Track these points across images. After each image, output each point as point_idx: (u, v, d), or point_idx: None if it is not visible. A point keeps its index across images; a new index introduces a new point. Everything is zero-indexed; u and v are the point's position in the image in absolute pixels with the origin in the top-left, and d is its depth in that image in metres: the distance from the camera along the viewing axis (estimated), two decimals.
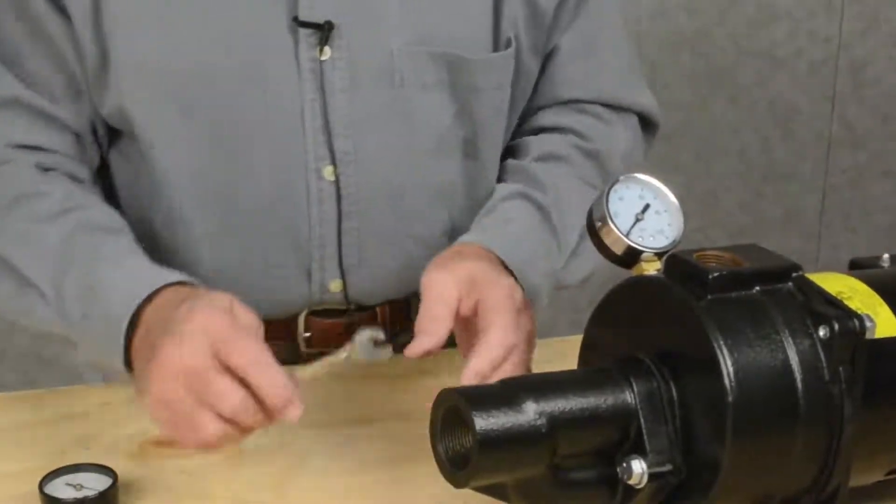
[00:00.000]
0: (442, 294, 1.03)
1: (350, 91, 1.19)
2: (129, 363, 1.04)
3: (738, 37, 2.89)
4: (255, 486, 1.06)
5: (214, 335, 0.95)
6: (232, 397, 0.94)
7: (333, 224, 1.22)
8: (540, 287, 1.16)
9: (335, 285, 1.26)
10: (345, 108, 1.19)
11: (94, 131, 1.23)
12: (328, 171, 1.20)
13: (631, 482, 0.86)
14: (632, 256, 0.99)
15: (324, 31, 1.16)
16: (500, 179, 1.29)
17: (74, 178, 1.20)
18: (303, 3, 1.16)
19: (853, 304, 0.91)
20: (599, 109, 1.35)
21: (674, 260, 0.92)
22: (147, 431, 1.13)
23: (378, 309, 1.30)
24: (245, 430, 0.97)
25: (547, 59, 1.32)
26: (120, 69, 1.16)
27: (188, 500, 1.03)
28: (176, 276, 1.07)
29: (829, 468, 0.88)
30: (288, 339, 1.26)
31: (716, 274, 0.88)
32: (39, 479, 1.00)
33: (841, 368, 0.86)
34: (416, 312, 1.33)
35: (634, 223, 1.01)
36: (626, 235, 1.00)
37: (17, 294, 1.13)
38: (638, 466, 0.85)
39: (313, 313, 1.27)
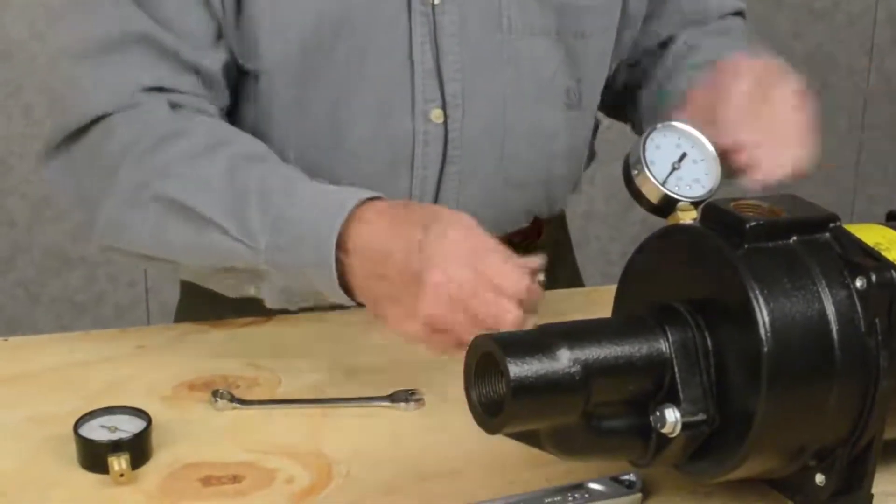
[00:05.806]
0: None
1: (460, 35, 1.21)
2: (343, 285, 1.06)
3: None
4: (289, 429, 1.06)
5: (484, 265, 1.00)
6: (509, 315, 0.98)
7: (436, 167, 1.24)
8: None
9: None
10: (455, 52, 1.21)
11: (227, 76, 1.23)
12: (436, 114, 1.22)
13: (664, 431, 0.86)
14: (668, 205, 0.99)
15: None
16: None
17: (205, 114, 1.20)
18: None
19: (890, 256, 0.90)
20: (722, 24, 1.39)
21: (711, 209, 0.91)
22: (181, 375, 1.13)
23: None
24: None
25: None
26: (256, 15, 1.18)
27: (222, 443, 1.04)
28: (362, 193, 1.08)
29: (863, 420, 0.87)
30: None
31: (753, 223, 0.87)
32: (74, 421, 1.01)
33: (877, 320, 0.86)
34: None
35: (671, 172, 1.00)
36: (663, 184, 0.99)
37: (197, 234, 1.12)
38: (671, 415, 0.85)
39: None
